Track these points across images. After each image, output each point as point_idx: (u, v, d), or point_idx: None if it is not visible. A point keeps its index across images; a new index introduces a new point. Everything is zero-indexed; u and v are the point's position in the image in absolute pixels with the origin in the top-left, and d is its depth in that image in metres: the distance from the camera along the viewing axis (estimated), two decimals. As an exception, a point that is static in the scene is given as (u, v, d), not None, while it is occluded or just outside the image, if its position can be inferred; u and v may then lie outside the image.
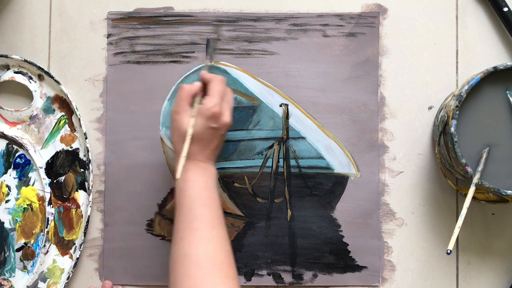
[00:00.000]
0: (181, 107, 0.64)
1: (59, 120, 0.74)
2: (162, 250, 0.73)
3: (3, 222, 0.74)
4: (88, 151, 0.73)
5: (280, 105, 0.74)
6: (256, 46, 0.74)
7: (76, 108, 0.73)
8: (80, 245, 0.73)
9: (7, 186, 0.74)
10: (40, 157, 0.74)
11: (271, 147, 0.73)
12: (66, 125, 0.74)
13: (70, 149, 0.74)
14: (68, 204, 0.74)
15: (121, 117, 0.74)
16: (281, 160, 0.73)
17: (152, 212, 0.74)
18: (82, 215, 0.73)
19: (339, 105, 0.74)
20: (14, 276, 0.74)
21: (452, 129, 0.63)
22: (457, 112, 0.63)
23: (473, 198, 0.64)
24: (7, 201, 0.74)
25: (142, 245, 0.73)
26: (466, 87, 0.63)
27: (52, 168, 0.74)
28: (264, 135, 0.74)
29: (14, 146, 0.74)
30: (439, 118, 0.69)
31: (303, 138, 0.74)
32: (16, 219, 0.74)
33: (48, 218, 0.73)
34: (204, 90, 0.66)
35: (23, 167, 0.74)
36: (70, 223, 0.74)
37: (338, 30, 0.74)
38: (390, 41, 0.74)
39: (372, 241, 0.73)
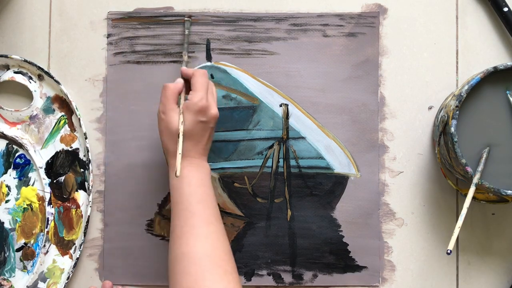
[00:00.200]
0: (168, 106, 0.64)
1: (59, 120, 0.74)
2: (162, 250, 0.73)
3: (3, 222, 0.74)
4: (88, 151, 0.73)
5: (280, 105, 0.74)
6: (256, 46, 0.74)
7: (76, 108, 0.73)
8: (80, 245, 0.73)
9: (7, 186, 0.74)
10: (40, 157, 0.74)
11: (271, 147, 0.73)
12: (66, 125, 0.74)
13: (70, 149, 0.74)
14: (68, 204, 0.74)
15: (121, 117, 0.74)
16: (281, 160, 0.73)
17: (152, 212, 0.74)
18: (82, 215, 0.73)
19: (339, 105, 0.74)
20: (14, 276, 0.73)
21: (452, 129, 0.63)
22: (457, 112, 0.63)
23: (473, 198, 0.64)
24: (7, 201, 0.74)
25: (142, 245, 0.73)
26: (466, 87, 0.63)
27: (52, 168, 0.74)
28: (264, 135, 0.74)
29: (14, 146, 0.74)
30: (439, 118, 0.69)
31: (303, 138, 0.74)
32: (16, 219, 0.74)
33: (48, 218, 0.73)
34: (187, 85, 0.66)
35: (23, 167, 0.74)
36: (70, 223, 0.74)
37: (338, 30, 0.74)
38: (390, 41, 0.74)
39: (372, 241, 0.73)
